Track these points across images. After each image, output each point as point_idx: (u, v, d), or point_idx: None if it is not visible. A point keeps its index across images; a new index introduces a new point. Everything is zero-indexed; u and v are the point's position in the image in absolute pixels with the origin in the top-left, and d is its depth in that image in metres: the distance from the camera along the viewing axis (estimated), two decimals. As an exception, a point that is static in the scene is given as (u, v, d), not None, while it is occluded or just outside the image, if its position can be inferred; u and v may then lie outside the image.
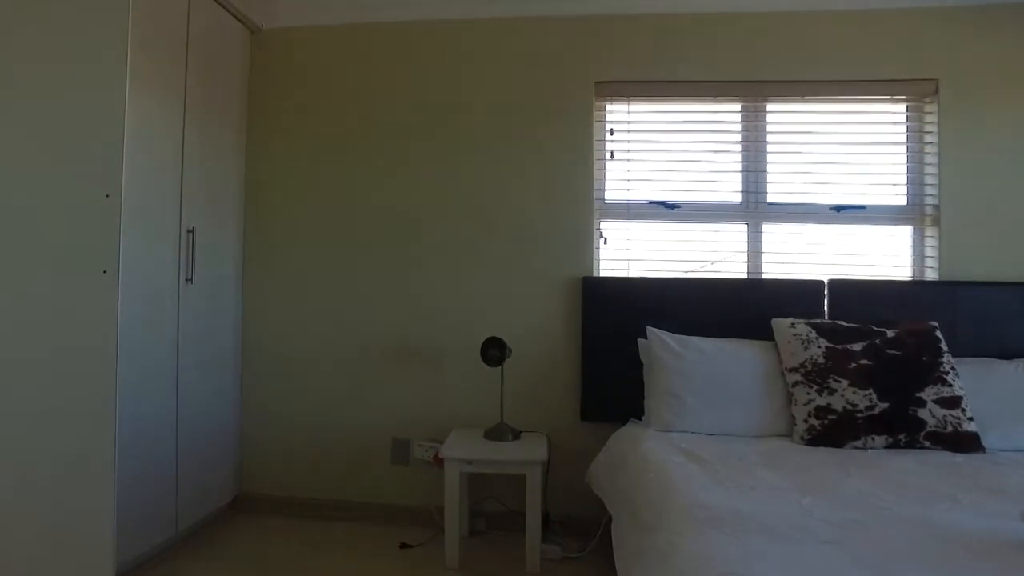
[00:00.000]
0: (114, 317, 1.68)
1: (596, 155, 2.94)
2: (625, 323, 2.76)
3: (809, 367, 2.31)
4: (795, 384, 2.32)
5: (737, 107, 2.95)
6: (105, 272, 1.67)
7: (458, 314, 2.95)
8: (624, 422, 2.70)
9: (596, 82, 2.93)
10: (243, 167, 3.07)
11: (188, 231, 2.57)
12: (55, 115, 1.71)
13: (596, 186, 2.94)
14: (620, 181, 2.97)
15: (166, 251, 2.45)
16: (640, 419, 2.62)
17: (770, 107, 2.93)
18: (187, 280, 2.57)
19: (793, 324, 2.45)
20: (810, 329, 2.41)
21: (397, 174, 3.01)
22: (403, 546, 2.65)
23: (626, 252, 2.95)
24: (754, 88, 2.89)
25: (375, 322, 2.99)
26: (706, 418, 2.37)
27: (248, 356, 3.06)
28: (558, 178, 2.92)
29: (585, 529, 2.74)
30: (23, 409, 1.68)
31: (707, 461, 2.02)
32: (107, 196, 1.68)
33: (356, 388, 3.00)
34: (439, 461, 2.78)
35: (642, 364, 2.67)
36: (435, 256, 2.98)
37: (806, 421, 2.24)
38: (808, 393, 2.27)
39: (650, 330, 2.60)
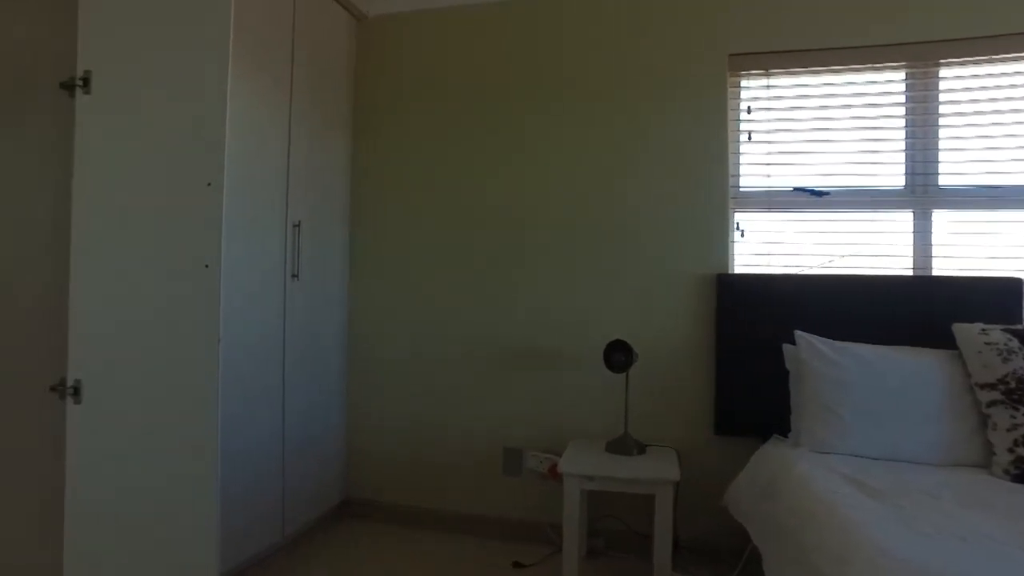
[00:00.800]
0: (216, 314, 1.55)
1: (731, 137, 2.60)
2: (766, 325, 2.42)
3: (1012, 384, 1.89)
4: (992, 404, 1.90)
5: (900, 75, 2.52)
6: (207, 266, 1.55)
7: (574, 314, 2.70)
8: (765, 438, 2.36)
9: (729, 55, 2.60)
10: (349, 159, 2.96)
11: (294, 225, 2.47)
12: (157, 103, 1.60)
13: (731, 172, 2.61)
14: (759, 166, 2.62)
15: (272, 246, 2.36)
16: (785, 436, 2.27)
17: (943, 72, 2.48)
18: (293, 276, 2.47)
19: (984, 331, 2.02)
20: (1010, 337, 1.98)
21: (509, 163, 2.80)
22: (516, 565, 2.43)
23: (766, 246, 2.60)
24: (922, 50, 2.46)
25: (485, 323, 2.80)
26: (871, 439, 2.00)
27: (353, 356, 2.95)
28: (687, 164, 2.61)
29: (719, 556, 2.43)
30: (123, 410, 1.59)
31: (884, 494, 1.67)
32: (208, 185, 1.56)
33: (465, 393, 2.82)
34: (555, 474, 2.54)
35: (787, 373, 2.33)
36: (548, 251, 2.74)
37: (1012, 451, 1.82)
38: (1013, 416, 1.85)
39: (799, 334, 2.24)
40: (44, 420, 1.76)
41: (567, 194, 2.72)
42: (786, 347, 2.31)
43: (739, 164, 2.63)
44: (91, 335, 1.60)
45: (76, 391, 1.59)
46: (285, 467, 2.47)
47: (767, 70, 2.61)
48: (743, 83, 2.64)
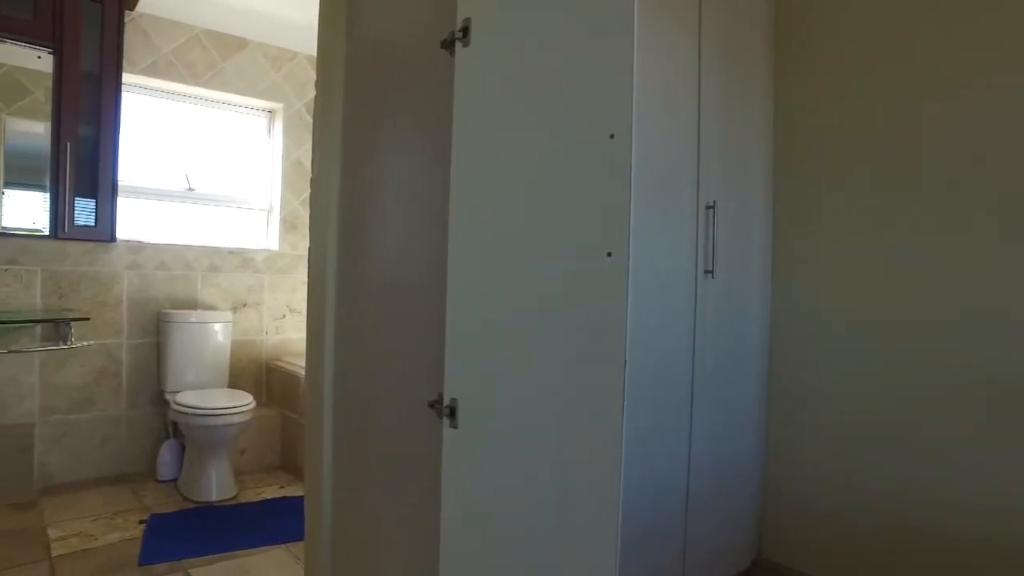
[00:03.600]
0: (620, 320, 1.06)
1: None
2: None
3: None
4: None
5: None
6: (610, 255, 1.06)
7: None
8: None
9: None
10: (771, 119, 2.27)
11: (707, 207, 1.90)
12: (546, 51, 1.19)
13: None
14: None
15: (680, 233, 1.83)
16: None
17: None
18: (706, 272, 1.90)
19: None
20: None
21: (1009, 111, 1.76)
22: None
23: None
24: None
25: (985, 344, 1.81)
26: None
27: (775, 378, 2.26)
28: None
29: None
30: (504, 437, 1.22)
31: None
32: (612, 137, 1.07)
33: (946, 445, 1.88)
34: None
35: None
36: None
37: None
38: None
39: None
40: (429, 435, 1.53)
41: None
42: None
43: None
44: (465, 340, 1.27)
45: (452, 412, 1.29)
46: (688, 513, 1.94)
47: None
48: None
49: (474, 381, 1.24)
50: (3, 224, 2.91)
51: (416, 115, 1.60)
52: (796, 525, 2.20)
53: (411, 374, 1.58)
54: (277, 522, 2.76)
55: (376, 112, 1.75)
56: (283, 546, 2.56)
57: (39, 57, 2.97)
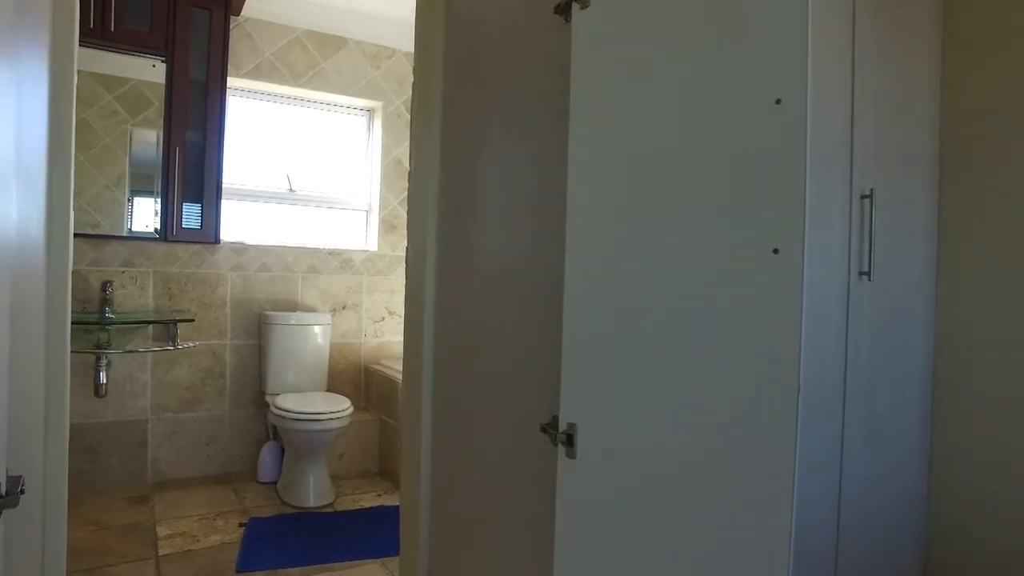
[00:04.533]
0: (793, 328, 0.82)
1: None
2: None
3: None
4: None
5: None
6: (777, 252, 0.83)
7: None
8: None
9: None
10: (938, 90, 1.91)
11: (863, 197, 1.60)
12: (679, 6, 0.96)
13: None
14: None
15: (831, 227, 1.54)
16: None
17: None
18: (861, 275, 1.60)
19: None
20: None
21: None
22: None
23: None
24: None
25: None
26: None
27: (945, 399, 1.90)
28: None
29: None
30: (635, 474, 1.01)
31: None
32: (778, 102, 0.83)
33: None
34: None
35: None
36: None
37: None
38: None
39: None
40: (539, 459, 1.34)
41: None
42: None
43: None
44: (586, 355, 1.06)
45: (569, 439, 1.09)
46: (839, 548, 1.64)
47: None
48: None
49: (597, 404, 1.03)
50: (126, 229, 3.01)
51: (524, 98, 1.41)
52: (967, 560, 1.83)
53: (519, 390, 1.40)
54: (374, 533, 2.67)
55: (478, 99, 1.59)
56: (379, 561, 2.47)
57: (153, 66, 3.04)
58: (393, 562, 2.42)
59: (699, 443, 0.91)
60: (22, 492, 0.97)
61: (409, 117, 3.81)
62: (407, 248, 1.86)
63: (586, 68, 1.05)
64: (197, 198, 3.09)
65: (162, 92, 3.04)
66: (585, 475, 1.06)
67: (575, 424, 1.04)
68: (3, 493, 0.90)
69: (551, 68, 1.22)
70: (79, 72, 3.02)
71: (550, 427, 1.14)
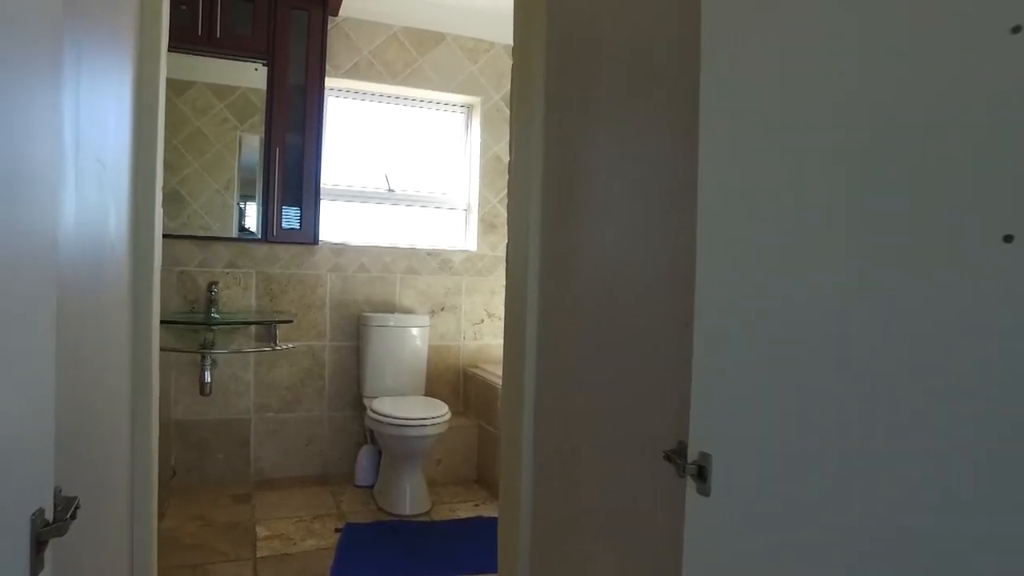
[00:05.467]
0: None
1: None
2: None
3: None
4: None
5: None
6: (1010, 240, 0.57)
7: None
8: None
9: None
10: None
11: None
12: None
13: None
14: None
15: None
16: None
17: None
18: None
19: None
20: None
21: None
22: None
23: None
24: None
25: None
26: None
27: None
28: None
29: None
30: (784, 517, 0.77)
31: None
32: (1014, 31, 0.57)
33: None
34: None
35: None
36: None
37: None
38: None
39: None
40: (662, 487, 1.13)
41: None
42: None
43: None
44: (723, 369, 0.84)
45: (701, 473, 0.86)
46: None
47: None
48: None
49: (739, 431, 0.80)
50: (235, 232, 3.06)
51: (640, 68, 1.21)
52: None
53: (637, 408, 1.20)
54: (471, 547, 2.52)
55: (586, 83, 1.41)
56: (474, 577, 2.32)
57: (256, 69, 3.07)
58: (489, 580, 2.27)
59: (876, 497, 0.66)
60: (73, 518, 0.87)
61: (508, 112, 3.69)
62: (507, 248, 1.71)
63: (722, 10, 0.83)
64: (296, 199, 3.09)
65: (263, 97, 3.07)
66: (720, 517, 0.82)
67: (708, 455, 0.82)
68: (49, 520, 0.80)
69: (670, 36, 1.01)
70: (194, 83, 3.14)
71: (676, 455, 0.92)
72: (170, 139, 2.98)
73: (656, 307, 1.13)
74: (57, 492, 0.89)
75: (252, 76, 3.07)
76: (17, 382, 0.67)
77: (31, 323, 0.70)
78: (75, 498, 0.91)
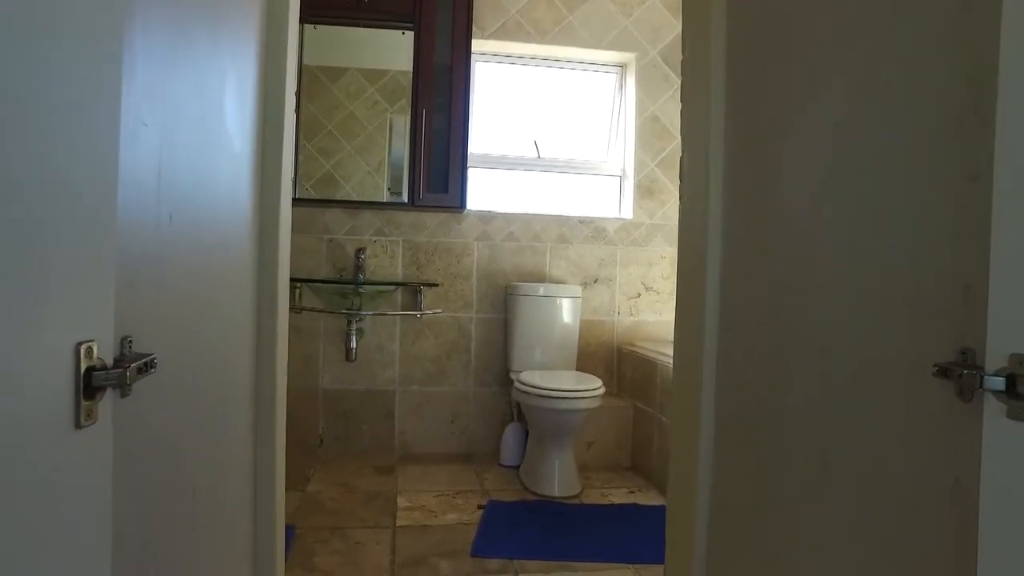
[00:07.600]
0: None
1: None
2: None
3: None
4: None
5: None
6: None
7: None
8: None
9: None
10: None
11: None
12: None
13: None
14: None
15: None
16: None
17: None
18: None
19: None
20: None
21: None
22: None
23: None
24: None
25: None
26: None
27: None
28: None
29: None
30: None
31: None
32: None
33: None
34: None
35: None
36: None
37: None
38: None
39: None
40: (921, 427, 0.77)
41: None
42: None
43: None
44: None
45: (1012, 384, 0.53)
46: None
47: None
48: None
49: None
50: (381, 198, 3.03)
51: None
52: None
53: (880, 315, 0.85)
54: (624, 534, 2.19)
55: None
56: (631, 567, 1.98)
57: (403, 33, 3.03)
58: (648, 570, 1.92)
59: None
60: (143, 373, 0.70)
61: (667, 70, 3.35)
62: (680, 208, 1.45)
63: None
64: (443, 165, 2.98)
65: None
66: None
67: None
68: (107, 364, 0.63)
69: None
70: (347, 70, 3.18)
71: (959, 368, 0.64)
72: (325, 124, 3.03)
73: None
74: (125, 340, 0.73)
75: (400, 58, 3.02)
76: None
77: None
78: (151, 354, 0.74)
